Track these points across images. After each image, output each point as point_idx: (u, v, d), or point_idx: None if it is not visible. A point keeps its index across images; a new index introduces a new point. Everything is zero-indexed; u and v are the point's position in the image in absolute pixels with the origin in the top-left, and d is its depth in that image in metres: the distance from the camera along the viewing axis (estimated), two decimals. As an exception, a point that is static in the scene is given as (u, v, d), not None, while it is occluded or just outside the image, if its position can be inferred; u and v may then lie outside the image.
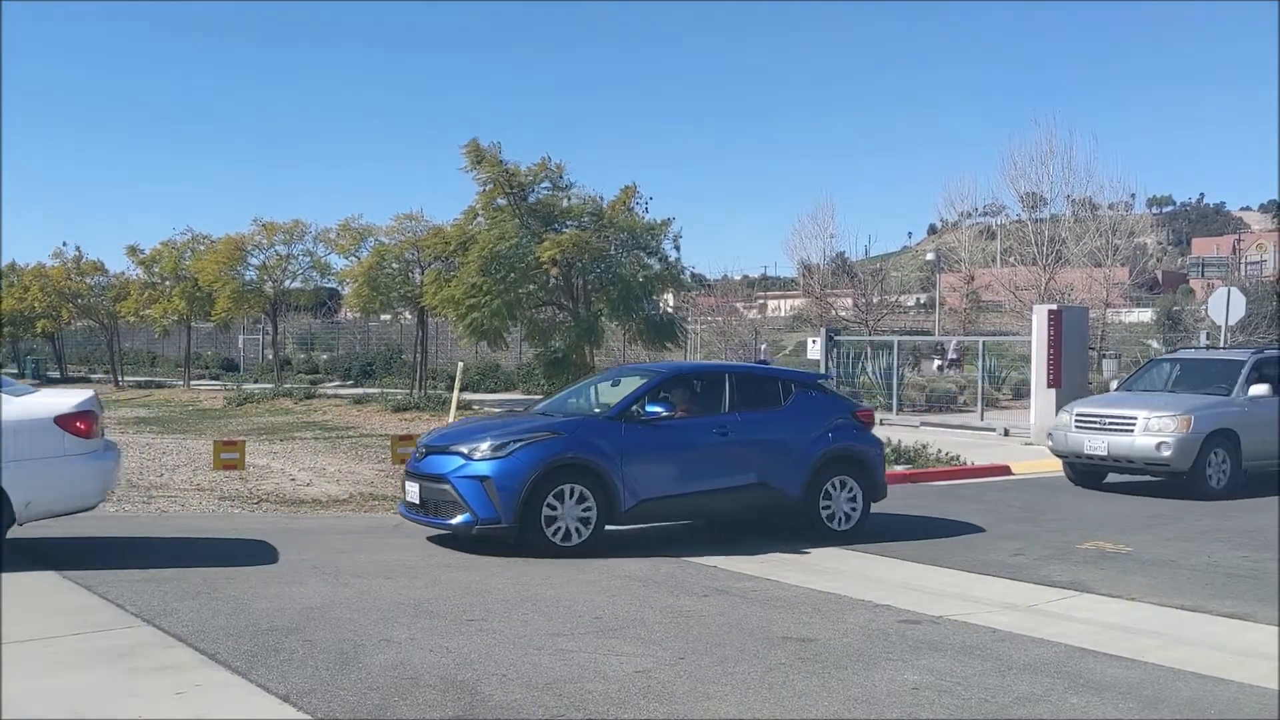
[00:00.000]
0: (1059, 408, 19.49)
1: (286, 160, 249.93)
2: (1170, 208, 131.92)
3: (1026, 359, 21.58)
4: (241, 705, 5.18)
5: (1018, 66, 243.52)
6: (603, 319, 21.33)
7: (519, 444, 9.12)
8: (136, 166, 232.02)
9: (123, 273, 39.95)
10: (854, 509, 10.38)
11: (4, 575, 7.44)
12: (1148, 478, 14.03)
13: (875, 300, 37.46)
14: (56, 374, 44.68)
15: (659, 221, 20.95)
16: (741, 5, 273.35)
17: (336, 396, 27.80)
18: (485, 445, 9.15)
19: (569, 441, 9.33)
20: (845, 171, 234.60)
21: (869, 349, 27.79)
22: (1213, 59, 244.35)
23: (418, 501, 9.48)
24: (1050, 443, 14.76)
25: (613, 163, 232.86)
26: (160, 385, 38.07)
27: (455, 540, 9.46)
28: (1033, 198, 35.91)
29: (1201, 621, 7.31)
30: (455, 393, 20.14)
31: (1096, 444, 13.67)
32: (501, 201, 20.82)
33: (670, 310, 26.34)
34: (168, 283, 35.79)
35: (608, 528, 9.43)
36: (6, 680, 5.39)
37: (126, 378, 41.58)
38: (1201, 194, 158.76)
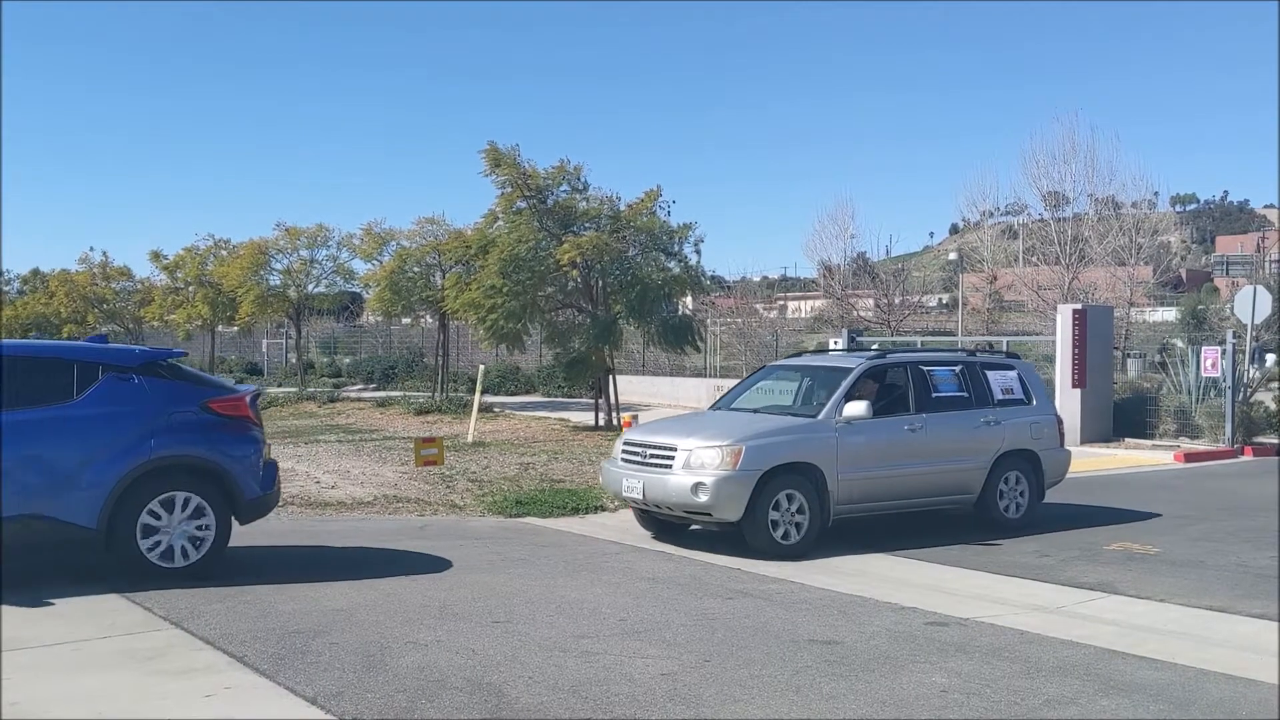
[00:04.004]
0: (1084, 408, 19.46)
1: (308, 164, 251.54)
2: (1194, 206, 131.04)
3: (1050, 359, 21.42)
4: (270, 707, 5.22)
5: (1038, 64, 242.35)
6: (621, 321, 21.31)
7: None
8: (161, 171, 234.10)
9: (147, 278, 40.28)
10: (201, 536, 7.81)
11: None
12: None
13: (897, 301, 37.28)
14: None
15: (681, 225, 20.93)
16: (755, 5, 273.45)
17: (359, 400, 27.89)
18: None
19: None
20: (866, 171, 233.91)
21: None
22: (1233, 56, 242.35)
23: None
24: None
25: (631, 163, 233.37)
26: (185, 389, 38.24)
27: (473, 543, 9.48)
28: (1055, 196, 35.67)
29: (1230, 622, 7.26)
30: (477, 395, 20.27)
31: (633, 483, 10.00)
32: (521, 204, 20.86)
33: (689, 312, 26.27)
34: (191, 288, 36.05)
35: None
36: (36, 683, 5.45)
37: (151, 382, 41.77)
38: (1225, 192, 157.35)
